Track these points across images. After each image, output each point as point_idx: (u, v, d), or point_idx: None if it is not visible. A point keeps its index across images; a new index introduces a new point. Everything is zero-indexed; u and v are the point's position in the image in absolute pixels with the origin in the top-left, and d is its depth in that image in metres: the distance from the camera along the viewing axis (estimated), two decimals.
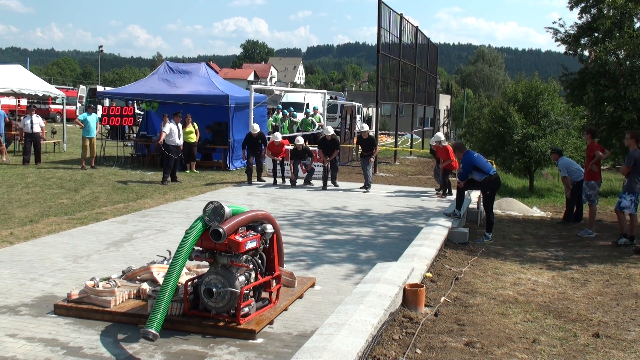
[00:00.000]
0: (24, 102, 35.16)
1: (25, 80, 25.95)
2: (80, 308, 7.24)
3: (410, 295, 7.57)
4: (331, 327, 5.96)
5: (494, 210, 12.73)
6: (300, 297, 8.13)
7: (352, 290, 7.54)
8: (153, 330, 6.16)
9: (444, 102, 67.60)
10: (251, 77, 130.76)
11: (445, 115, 68.44)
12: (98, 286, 7.47)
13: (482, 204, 13.22)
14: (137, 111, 25.56)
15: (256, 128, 18.90)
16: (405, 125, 36.18)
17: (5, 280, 8.48)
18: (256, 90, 23.85)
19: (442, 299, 8.08)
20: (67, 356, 6.13)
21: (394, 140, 31.86)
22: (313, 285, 8.45)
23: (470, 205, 14.61)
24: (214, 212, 6.82)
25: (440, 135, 17.24)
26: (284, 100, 41.70)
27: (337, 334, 5.69)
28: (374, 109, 35.18)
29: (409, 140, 36.05)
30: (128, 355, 6.19)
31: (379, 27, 23.64)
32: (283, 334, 6.90)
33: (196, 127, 20.82)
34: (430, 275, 9.16)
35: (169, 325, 6.70)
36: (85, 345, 6.40)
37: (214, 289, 6.75)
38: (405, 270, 8.09)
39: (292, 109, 30.00)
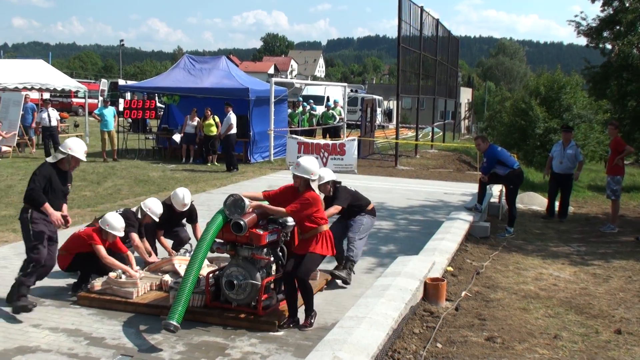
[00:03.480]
0: (47, 95, 35.42)
1: (46, 75, 26.16)
2: (103, 299, 7.32)
3: (431, 289, 7.55)
4: (352, 320, 5.96)
5: (516, 205, 12.65)
6: (321, 290, 8.14)
7: (373, 283, 7.55)
8: (174, 322, 6.21)
9: (465, 95, 67.19)
10: (271, 70, 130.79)
11: (466, 109, 68.02)
12: (121, 277, 7.54)
13: (504, 198, 13.14)
14: (158, 104, 25.64)
15: (187, 201, 8.96)
16: (426, 118, 35.97)
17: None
18: (276, 84, 23.87)
19: (463, 293, 8.06)
20: (90, 346, 6.20)
21: (414, 134, 31.73)
22: (326, 283, 8.45)
23: (492, 200, 14.53)
24: (234, 204, 6.85)
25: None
26: (304, 93, 41.68)
27: (358, 327, 5.70)
28: (395, 102, 35.06)
29: (430, 133, 35.85)
30: (150, 346, 6.24)
31: (399, 19, 23.52)
32: None
33: (217, 119, 20.88)
34: (451, 269, 9.14)
35: (190, 316, 6.75)
36: (107, 335, 6.46)
37: (235, 281, 6.79)
38: (426, 264, 8.08)
39: (312, 101, 29.97)
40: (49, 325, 6.73)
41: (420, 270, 7.75)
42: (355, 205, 8.59)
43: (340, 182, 8.51)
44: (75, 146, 7.24)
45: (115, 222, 7.65)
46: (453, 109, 44.07)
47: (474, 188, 15.52)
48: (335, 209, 8.25)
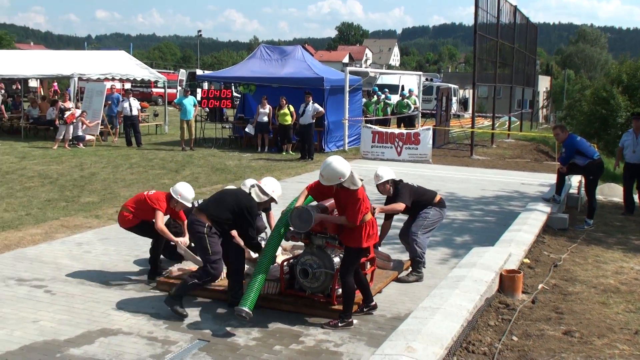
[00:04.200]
0: (128, 86, 36.44)
1: (127, 65, 26.89)
2: None
3: (507, 281, 7.45)
4: (426, 310, 5.95)
5: (596, 196, 12.32)
6: (395, 279, 8.14)
7: (447, 274, 7.50)
8: (246, 309, 6.32)
9: (544, 83, 65.64)
10: (346, 60, 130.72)
11: (544, 97, 66.49)
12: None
13: (583, 189, 12.81)
14: (234, 94, 26.00)
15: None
16: (502, 107, 35.30)
17: (112, 257, 8.88)
18: (351, 73, 23.87)
19: (540, 286, 7.92)
20: (168, 330, 6.38)
21: (490, 123, 31.22)
22: (407, 268, 8.45)
23: (571, 191, 14.19)
24: (300, 218, 6.69)
25: None
26: (378, 82, 41.51)
27: (432, 318, 5.68)
28: (471, 90, 34.56)
29: (507, 122, 35.20)
30: (226, 331, 6.38)
31: (476, 6, 23.14)
32: (377, 316, 6.95)
33: (292, 109, 21.04)
34: (528, 261, 8.99)
35: (265, 303, 6.86)
36: (185, 320, 6.64)
37: (309, 270, 6.85)
38: (502, 256, 7.97)
39: (386, 90, 29.83)
40: (130, 309, 6.96)
41: (496, 262, 7.65)
42: (419, 201, 8.36)
43: (400, 180, 8.41)
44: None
45: (187, 193, 7.88)
46: (531, 98, 43.15)
47: (552, 179, 15.18)
48: (399, 206, 8.10)
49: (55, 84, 39.43)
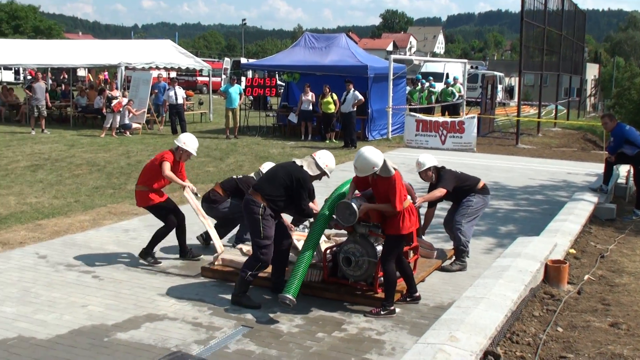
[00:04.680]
0: (173, 74, 36.83)
1: (172, 54, 27.17)
2: (225, 271, 7.60)
3: (552, 272, 7.37)
4: (469, 300, 5.92)
5: None
6: (438, 268, 8.12)
7: (491, 264, 7.44)
8: (290, 296, 6.36)
9: (592, 71, 64.26)
10: (390, 48, 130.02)
11: (592, 86, 65.17)
12: (242, 250, 7.80)
13: (632, 179, 12.57)
14: (278, 82, 26.09)
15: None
16: (549, 95, 34.68)
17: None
18: (395, 61, 23.73)
19: (586, 276, 7.81)
20: (212, 316, 6.47)
21: (537, 111, 30.75)
22: (451, 257, 8.41)
23: (619, 180, 13.93)
24: (344, 212, 6.73)
25: None
26: (423, 70, 41.22)
27: (476, 308, 5.65)
28: (517, 78, 34.08)
29: (553, 111, 34.62)
30: (269, 318, 6.44)
31: None
32: (420, 305, 6.94)
33: (335, 97, 21.01)
34: (574, 251, 8.87)
35: (308, 291, 6.90)
36: (229, 306, 6.72)
37: (352, 258, 6.87)
38: (548, 246, 7.88)
39: (431, 78, 29.60)
40: (175, 295, 7.07)
41: (541, 252, 7.56)
42: (462, 187, 8.27)
43: (443, 167, 8.34)
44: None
45: (191, 141, 8.20)
46: (578, 86, 42.27)
47: (599, 168, 14.92)
48: (440, 192, 8.03)
49: (106, 73, 40.05)
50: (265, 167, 8.36)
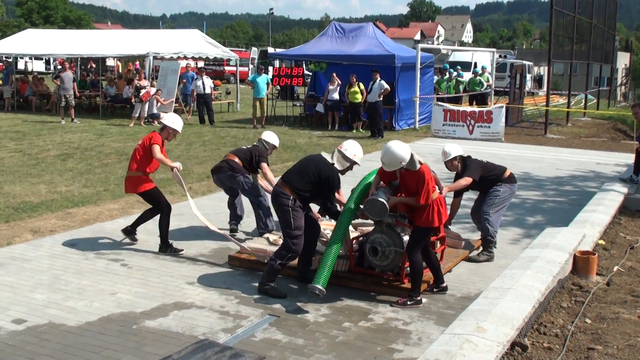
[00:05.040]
0: (201, 64, 36.98)
1: (200, 44, 27.24)
2: (252, 260, 7.63)
3: (580, 263, 7.31)
4: (496, 290, 5.89)
5: None
6: (465, 259, 8.09)
7: (519, 254, 7.41)
8: (319, 286, 6.38)
9: (623, 60, 63.31)
10: (418, 37, 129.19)
11: (623, 75, 64.23)
12: (269, 239, 7.84)
13: None
14: (305, 72, 26.07)
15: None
16: (579, 84, 34.21)
17: (185, 232, 9.10)
18: (423, 50, 23.58)
19: (616, 268, 7.73)
20: (240, 305, 6.51)
21: (566, 101, 30.41)
22: (478, 248, 8.37)
23: None
24: (374, 208, 6.73)
25: None
26: (451, 59, 40.93)
27: (503, 298, 5.63)
28: (546, 67, 33.69)
29: (583, 100, 34.19)
30: (296, 307, 6.47)
31: None
32: (446, 295, 6.93)
33: (362, 87, 20.96)
34: (603, 242, 8.78)
35: (335, 280, 6.91)
36: (256, 295, 6.76)
37: (378, 248, 6.86)
38: (576, 237, 7.81)
39: (459, 68, 29.38)
40: (202, 283, 7.13)
41: (570, 243, 7.50)
42: (488, 177, 8.20)
43: (469, 156, 8.28)
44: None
45: (177, 120, 8.34)
46: (609, 75, 41.67)
47: (629, 158, 14.75)
48: (466, 180, 7.97)
49: (137, 62, 40.32)
50: (265, 135, 8.93)
